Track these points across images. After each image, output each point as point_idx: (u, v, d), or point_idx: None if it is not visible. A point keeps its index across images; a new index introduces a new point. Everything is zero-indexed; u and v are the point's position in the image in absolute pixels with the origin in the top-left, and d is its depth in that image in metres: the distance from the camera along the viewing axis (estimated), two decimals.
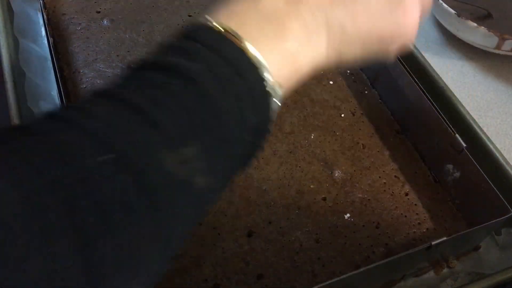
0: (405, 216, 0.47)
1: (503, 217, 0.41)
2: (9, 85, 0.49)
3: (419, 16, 0.30)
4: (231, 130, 0.23)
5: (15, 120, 0.46)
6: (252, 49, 0.24)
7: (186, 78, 0.22)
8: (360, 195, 0.47)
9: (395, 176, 0.49)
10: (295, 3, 0.26)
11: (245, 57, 0.24)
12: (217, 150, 0.23)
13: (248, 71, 0.24)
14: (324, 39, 0.27)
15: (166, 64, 0.23)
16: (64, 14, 0.60)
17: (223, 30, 0.24)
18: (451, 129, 0.46)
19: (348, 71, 0.58)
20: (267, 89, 0.24)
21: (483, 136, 0.48)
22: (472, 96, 0.59)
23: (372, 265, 0.38)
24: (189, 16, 0.62)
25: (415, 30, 0.30)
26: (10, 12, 0.58)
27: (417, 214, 0.47)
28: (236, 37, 0.24)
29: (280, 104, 0.25)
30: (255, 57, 0.24)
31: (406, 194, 0.48)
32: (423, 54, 0.55)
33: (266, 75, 0.24)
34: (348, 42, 0.28)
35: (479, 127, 0.49)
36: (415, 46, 0.55)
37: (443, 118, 0.47)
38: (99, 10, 0.62)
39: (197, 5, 0.64)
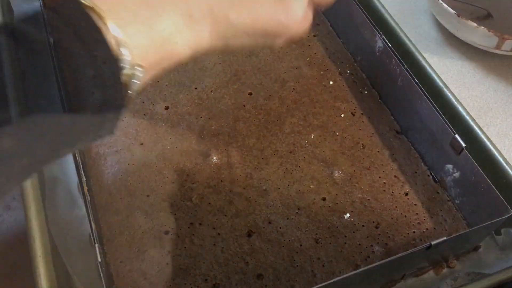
0: (405, 216, 0.47)
1: (503, 217, 0.41)
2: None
3: (304, 12, 0.33)
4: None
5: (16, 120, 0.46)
6: (114, 29, 0.25)
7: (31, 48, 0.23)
8: (360, 195, 0.48)
9: (395, 176, 0.49)
10: None
11: (100, 36, 0.24)
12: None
13: (102, 50, 0.24)
14: (208, 27, 0.29)
15: (14, 31, 0.24)
16: None
17: (90, 6, 0.25)
18: (451, 129, 0.46)
19: (348, 71, 0.58)
20: (124, 70, 0.25)
21: (483, 136, 0.48)
22: (472, 96, 0.59)
23: (372, 265, 0.38)
24: None
25: (302, 25, 0.33)
26: (10, 12, 0.58)
27: (417, 214, 0.47)
28: (99, 15, 0.25)
29: (139, 82, 0.26)
30: (115, 37, 0.25)
31: (406, 194, 0.48)
32: (423, 54, 0.55)
33: (126, 56, 0.25)
34: (233, 32, 0.30)
35: (479, 127, 0.49)
36: (415, 46, 0.55)
37: (443, 118, 0.47)
38: None
39: None
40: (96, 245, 0.39)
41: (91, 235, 0.41)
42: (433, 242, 0.39)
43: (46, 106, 0.25)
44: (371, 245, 0.44)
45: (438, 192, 0.49)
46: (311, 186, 0.48)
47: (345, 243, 0.44)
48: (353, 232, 0.45)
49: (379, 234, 0.45)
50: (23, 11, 0.59)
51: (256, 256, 0.43)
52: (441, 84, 0.52)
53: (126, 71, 0.25)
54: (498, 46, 0.59)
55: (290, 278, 0.42)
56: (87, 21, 0.24)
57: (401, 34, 0.56)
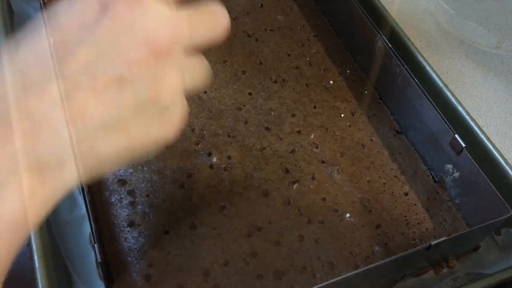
0: (405, 216, 0.47)
1: (503, 217, 0.41)
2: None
3: (184, 112, 0.27)
4: None
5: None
6: None
7: None
8: (360, 195, 0.48)
9: (395, 176, 0.49)
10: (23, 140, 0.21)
11: None
12: None
13: None
14: (73, 169, 0.23)
15: None
16: None
17: None
18: (451, 129, 0.46)
19: (348, 71, 0.58)
20: None
21: (483, 136, 0.48)
22: (472, 96, 0.59)
23: (372, 265, 0.38)
24: None
25: (180, 126, 0.27)
26: (10, 12, 0.58)
27: (416, 214, 0.47)
28: None
29: None
30: None
31: (406, 194, 0.48)
32: (423, 54, 0.55)
33: None
34: (106, 162, 0.25)
35: (479, 127, 0.49)
36: (415, 46, 0.55)
37: (443, 118, 0.47)
38: None
39: None
40: (96, 245, 0.39)
41: (91, 235, 0.41)
42: (433, 242, 0.39)
43: None
44: (371, 245, 0.44)
45: (438, 192, 0.49)
46: (311, 186, 0.48)
47: (345, 243, 0.44)
48: (353, 232, 0.45)
49: (379, 234, 0.45)
50: (23, 11, 0.60)
51: (256, 256, 0.43)
52: (441, 84, 0.52)
53: None
54: (498, 46, 0.59)
55: (290, 278, 0.42)
56: None
57: (401, 34, 0.56)
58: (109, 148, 0.24)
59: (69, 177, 0.23)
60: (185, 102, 0.27)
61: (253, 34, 0.60)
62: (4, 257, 0.21)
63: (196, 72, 0.27)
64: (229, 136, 0.50)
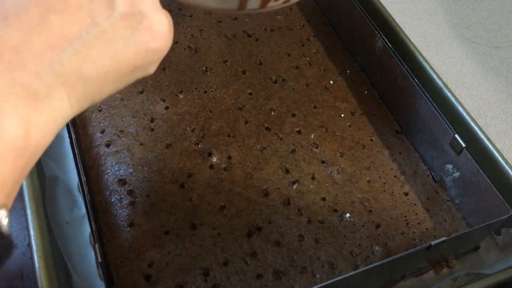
0: (405, 216, 0.47)
1: (503, 217, 0.41)
2: None
3: (167, 18, 0.26)
4: None
5: None
6: None
7: None
8: (360, 195, 0.48)
9: (395, 176, 0.49)
10: (9, 71, 0.21)
11: None
12: None
13: None
14: (63, 95, 0.23)
15: None
16: None
17: None
18: (451, 129, 0.46)
19: (348, 71, 0.58)
20: None
21: (483, 136, 0.48)
22: (472, 96, 0.59)
23: (372, 265, 0.38)
24: None
25: (170, 36, 0.26)
26: None
27: (416, 214, 0.47)
28: None
29: (6, 221, 0.21)
30: None
31: (406, 194, 0.48)
32: (423, 54, 0.55)
33: None
34: (96, 87, 0.24)
35: (479, 127, 0.49)
36: (415, 46, 0.55)
37: (443, 118, 0.47)
38: None
39: None
40: (96, 245, 0.39)
41: (91, 235, 0.41)
42: (433, 242, 0.39)
43: None
44: (371, 245, 0.44)
45: (438, 192, 0.49)
46: (311, 186, 0.48)
47: (345, 243, 0.44)
48: (353, 232, 0.45)
49: (379, 234, 0.45)
50: None
51: (256, 256, 0.43)
52: (441, 84, 0.52)
53: None
54: (498, 46, 0.59)
55: (290, 278, 0.42)
56: None
57: (401, 34, 0.56)
58: (95, 70, 0.23)
59: (61, 104, 0.23)
60: (164, 11, 0.26)
61: (253, 34, 0.61)
62: (9, 182, 0.21)
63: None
64: (229, 136, 0.50)
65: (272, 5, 0.27)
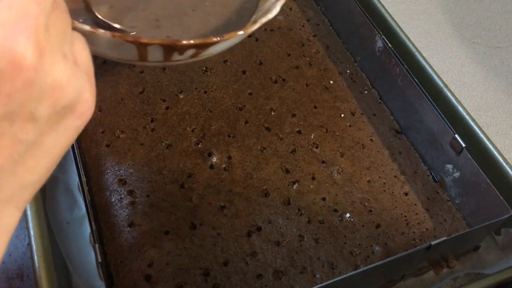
0: (405, 216, 0.47)
1: (503, 217, 0.41)
2: None
3: (90, 93, 0.24)
4: None
5: None
6: None
7: None
8: (360, 195, 0.48)
9: (395, 176, 0.49)
10: None
11: None
12: None
13: None
14: (11, 209, 0.22)
15: None
16: None
17: None
18: (451, 129, 0.46)
19: (348, 71, 0.58)
20: None
21: (483, 136, 0.48)
22: (472, 96, 0.59)
23: (372, 265, 0.38)
24: None
25: (93, 103, 0.24)
26: None
27: (416, 214, 0.47)
28: None
29: None
30: None
31: (406, 194, 0.48)
32: (423, 54, 0.55)
33: None
34: (40, 182, 0.23)
35: (479, 127, 0.49)
36: (415, 46, 0.55)
37: (443, 118, 0.47)
38: None
39: None
40: (96, 245, 0.39)
41: (91, 235, 0.41)
42: (433, 242, 0.39)
43: None
44: (371, 245, 0.44)
45: (438, 192, 0.49)
46: (311, 186, 0.48)
47: (345, 243, 0.44)
48: (353, 232, 0.45)
49: (379, 234, 0.45)
50: None
51: (256, 256, 0.43)
52: (441, 84, 0.52)
53: None
54: (498, 46, 0.59)
55: (290, 278, 0.42)
56: None
57: (401, 34, 0.56)
58: (36, 174, 0.23)
59: (10, 217, 0.22)
60: (83, 81, 0.23)
61: (253, 34, 0.60)
62: None
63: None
64: (229, 136, 0.50)
65: (177, 58, 0.26)
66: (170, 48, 0.25)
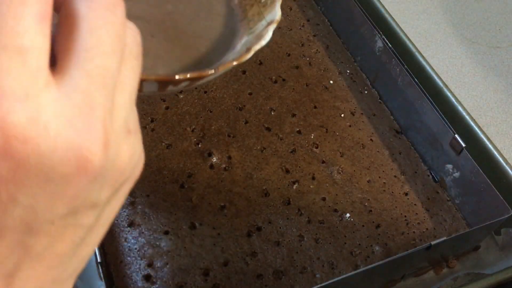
0: (405, 216, 0.47)
1: (503, 217, 0.41)
2: None
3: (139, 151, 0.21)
4: None
5: None
6: None
7: None
8: (360, 195, 0.48)
9: (395, 176, 0.49)
10: None
11: None
12: None
13: None
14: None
15: None
16: None
17: None
18: (451, 129, 0.46)
19: (348, 71, 0.58)
20: None
21: (483, 136, 0.48)
22: (472, 96, 0.59)
23: (372, 265, 0.38)
24: None
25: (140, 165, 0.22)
26: None
27: (416, 214, 0.47)
28: None
29: None
30: None
31: (406, 194, 0.48)
32: (423, 54, 0.55)
33: None
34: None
35: (479, 127, 0.49)
36: (415, 46, 0.55)
37: (443, 118, 0.47)
38: None
39: None
40: None
41: None
42: (433, 242, 0.39)
43: None
44: (371, 245, 0.44)
45: (438, 192, 0.49)
46: (311, 186, 0.48)
47: (345, 243, 0.44)
48: (353, 232, 0.45)
49: (379, 234, 0.45)
50: None
51: (256, 256, 0.43)
52: (441, 84, 0.52)
53: None
54: (498, 46, 0.59)
55: (290, 278, 0.42)
56: None
57: (401, 34, 0.56)
58: (90, 248, 0.21)
59: None
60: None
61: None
62: None
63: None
64: (229, 136, 0.50)
65: (171, 89, 0.27)
66: (165, 83, 0.25)
